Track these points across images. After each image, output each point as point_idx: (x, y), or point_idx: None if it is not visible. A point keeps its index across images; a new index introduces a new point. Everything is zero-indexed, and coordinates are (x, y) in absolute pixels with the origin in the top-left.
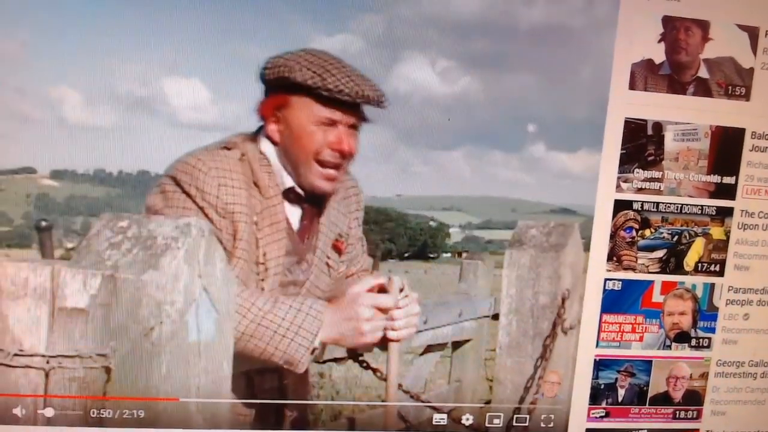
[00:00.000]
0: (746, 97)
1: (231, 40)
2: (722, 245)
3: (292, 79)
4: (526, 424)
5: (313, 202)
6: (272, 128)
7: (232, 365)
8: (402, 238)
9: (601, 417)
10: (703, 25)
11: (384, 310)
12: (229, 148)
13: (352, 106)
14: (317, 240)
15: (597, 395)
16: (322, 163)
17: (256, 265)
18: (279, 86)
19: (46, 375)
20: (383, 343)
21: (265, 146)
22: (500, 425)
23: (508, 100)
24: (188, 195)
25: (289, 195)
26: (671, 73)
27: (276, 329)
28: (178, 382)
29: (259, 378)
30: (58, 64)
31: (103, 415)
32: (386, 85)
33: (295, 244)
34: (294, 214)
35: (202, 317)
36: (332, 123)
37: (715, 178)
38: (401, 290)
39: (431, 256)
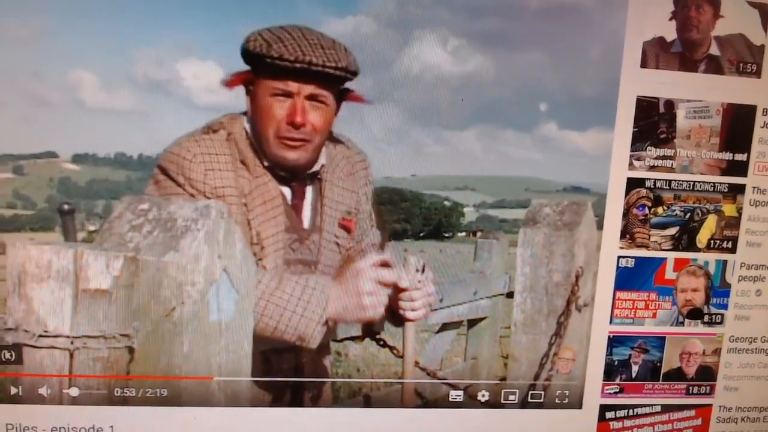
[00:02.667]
0: (757, 74)
1: (243, 22)
2: (734, 222)
3: (246, 50)
4: (541, 400)
5: (300, 179)
6: (247, 105)
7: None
8: (417, 218)
9: (615, 393)
10: (714, 3)
11: (386, 284)
12: (215, 130)
13: (306, 76)
14: (322, 221)
15: (611, 371)
16: (281, 137)
17: (251, 245)
18: (247, 61)
19: (71, 355)
20: (400, 323)
21: (247, 123)
22: (515, 401)
23: (520, 79)
24: (177, 183)
25: (273, 172)
26: (683, 51)
27: (285, 306)
28: (200, 361)
29: (277, 357)
30: (75, 47)
31: (127, 394)
32: (398, 66)
33: (293, 221)
34: (285, 191)
35: (223, 297)
36: (287, 94)
37: (727, 155)
38: (418, 270)
39: (446, 235)
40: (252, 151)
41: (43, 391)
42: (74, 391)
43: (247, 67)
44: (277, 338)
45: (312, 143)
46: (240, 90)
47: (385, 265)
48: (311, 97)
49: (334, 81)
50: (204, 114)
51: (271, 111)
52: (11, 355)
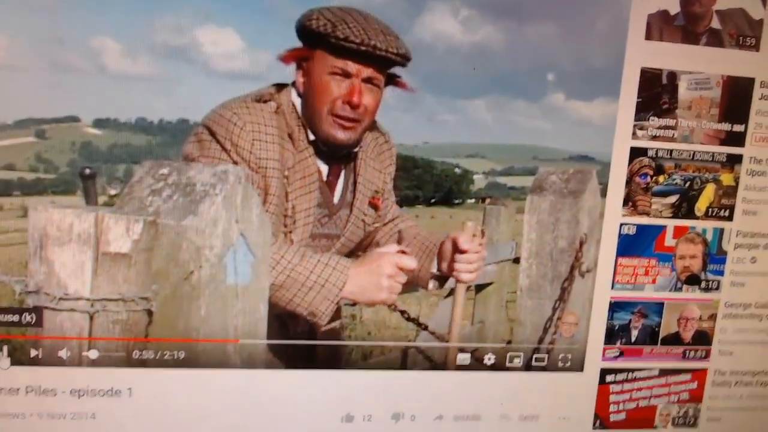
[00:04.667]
0: (756, 47)
1: None
2: (731, 191)
3: (308, 28)
4: (545, 363)
5: (338, 157)
6: (299, 80)
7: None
8: (428, 184)
9: (616, 356)
10: None
11: (406, 270)
12: (265, 101)
13: (367, 59)
14: (355, 198)
15: (612, 335)
16: (336, 115)
17: (284, 217)
18: (304, 38)
19: (91, 318)
20: (441, 286)
21: (295, 98)
22: (520, 365)
23: (529, 50)
24: (223, 148)
25: (316, 147)
26: (685, 24)
27: (304, 281)
28: (217, 324)
29: (293, 321)
30: (97, 14)
31: (145, 357)
32: (410, 35)
33: (326, 196)
34: (323, 168)
35: (240, 261)
36: (346, 74)
37: (726, 126)
38: (475, 236)
39: (456, 201)
40: (298, 125)
41: (62, 353)
42: (93, 354)
43: (300, 44)
44: (290, 310)
45: (362, 124)
46: (259, 57)
47: (404, 253)
48: (367, 80)
49: (389, 66)
50: (223, 81)
51: (328, 89)
52: (32, 318)
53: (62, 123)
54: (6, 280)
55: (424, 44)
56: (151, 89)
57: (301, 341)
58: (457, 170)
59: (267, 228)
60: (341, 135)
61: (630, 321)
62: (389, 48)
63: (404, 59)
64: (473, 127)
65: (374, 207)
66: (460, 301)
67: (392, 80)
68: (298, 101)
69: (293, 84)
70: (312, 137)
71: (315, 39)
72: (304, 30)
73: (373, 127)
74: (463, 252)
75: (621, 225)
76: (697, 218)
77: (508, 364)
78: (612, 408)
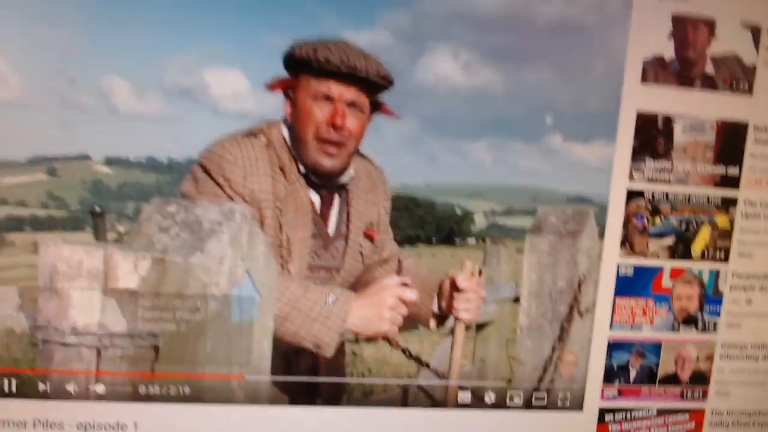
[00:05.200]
0: (749, 92)
1: (268, 33)
2: (727, 233)
3: (291, 56)
4: (544, 402)
5: (329, 188)
6: (287, 110)
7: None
8: (430, 224)
9: (614, 396)
10: (710, 24)
11: (407, 302)
12: (255, 135)
13: (349, 81)
14: (348, 230)
15: (610, 375)
16: (321, 139)
17: (280, 248)
18: (290, 68)
19: (98, 353)
20: (441, 323)
21: (284, 130)
22: (520, 403)
23: (528, 93)
24: (217, 183)
25: (308, 180)
26: (680, 69)
27: (308, 313)
28: (222, 360)
29: (296, 357)
30: (108, 55)
31: (151, 391)
32: (412, 78)
33: (320, 228)
34: (315, 200)
35: (245, 298)
36: (329, 98)
37: (721, 169)
38: (473, 274)
39: (457, 241)
40: (289, 157)
41: (70, 387)
42: (100, 388)
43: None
44: (296, 343)
45: (347, 148)
46: (265, 98)
47: (405, 285)
48: (351, 104)
49: (372, 90)
50: (230, 120)
51: (311, 113)
52: (41, 352)
53: (73, 161)
54: (16, 315)
55: (426, 87)
56: (160, 129)
57: (304, 378)
58: (458, 210)
59: (272, 265)
60: (327, 162)
61: (628, 361)
62: (370, 69)
63: (386, 81)
64: (474, 168)
65: (369, 238)
66: (460, 340)
67: (378, 107)
68: (287, 133)
69: (284, 119)
70: (302, 169)
71: (298, 66)
72: (288, 60)
73: (366, 161)
74: (461, 291)
75: (618, 266)
76: (693, 260)
77: (508, 403)
78: None
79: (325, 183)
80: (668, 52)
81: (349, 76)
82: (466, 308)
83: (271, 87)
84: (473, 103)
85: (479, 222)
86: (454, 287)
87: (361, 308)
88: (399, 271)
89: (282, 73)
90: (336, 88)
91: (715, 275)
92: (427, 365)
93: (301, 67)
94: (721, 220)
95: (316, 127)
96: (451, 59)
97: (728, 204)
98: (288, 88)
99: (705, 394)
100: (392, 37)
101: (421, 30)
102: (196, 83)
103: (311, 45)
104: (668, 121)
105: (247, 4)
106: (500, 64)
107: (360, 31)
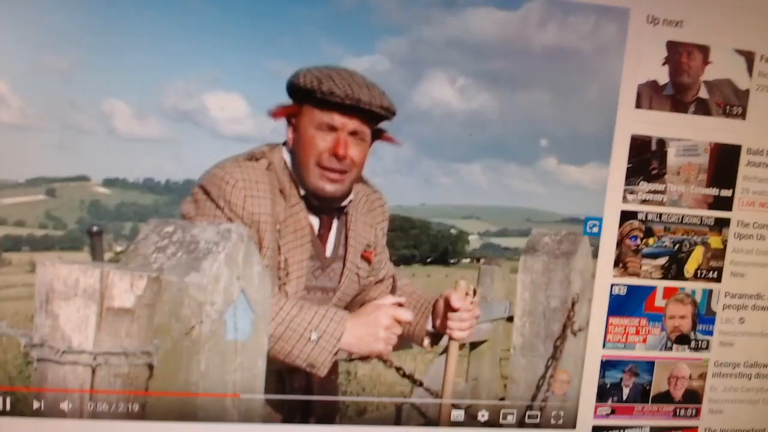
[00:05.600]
0: (742, 116)
1: (267, 58)
2: (720, 253)
3: (296, 85)
4: (537, 421)
5: (329, 211)
6: (289, 136)
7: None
8: (425, 244)
9: (607, 414)
10: (704, 50)
11: (402, 322)
12: (257, 159)
13: (352, 112)
14: (347, 252)
15: (603, 393)
16: (323, 167)
17: (278, 270)
18: (293, 95)
19: (93, 371)
20: (435, 343)
21: (286, 154)
22: (513, 422)
23: (523, 117)
24: (217, 205)
25: (308, 203)
26: (674, 94)
27: (302, 333)
28: (216, 379)
29: (290, 376)
30: (109, 79)
31: (145, 410)
32: (409, 102)
33: (318, 249)
34: (314, 222)
35: (240, 317)
36: (332, 128)
37: (714, 191)
38: (468, 294)
39: (452, 261)
40: (289, 181)
41: (64, 405)
42: (94, 406)
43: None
44: (289, 362)
45: (350, 176)
46: (264, 121)
47: (400, 305)
48: (353, 133)
49: (375, 120)
50: (229, 143)
51: (314, 142)
52: (35, 370)
53: (72, 182)
54: (12, 333)
55: (422, 111)
56: (159, 151)
57: (298, 396)
58: (452, 231)
59: (267, 285)
60: (329, 187)
61: (621, 379)
62: (373, 101)
63: (389, 112)
64: (469, 189)
65: (367, 260)
66: (453, 358)
67: (380, 135)
68: (288, 157)
69: (284, 143)
70: (303, 192)
71: (302, 95)
72: (292, 87)
73: (364, 184)
74: (455, 310)
75: (612, 285)
76: (687, 279)
77: (501, 421)
78: None
79: (325, 206)
80: (662, 77)
81: (352, 108)
82: (459, 327)
83: (275, 114)
84: (469, 126)
85: (474, 242)
86: (448, 307)
87: (356, 328)
88: (394, 291)
89: (284, 98)
90: (339, 119)
91: (708, 295)
92: (421, 384)
93: (305, 95)
94: (714, 241)
95: (319, 155)
96: (447, 84)
97: (721, 225)
98: (291, 115)
99: (698, 413)
100: (390, 62)
101: (418, 56)
102: (196, 107)
103: (316, 75)
104: (662, 143)
105: (248, 30)
106: (496, 88)
107: (359, 57)
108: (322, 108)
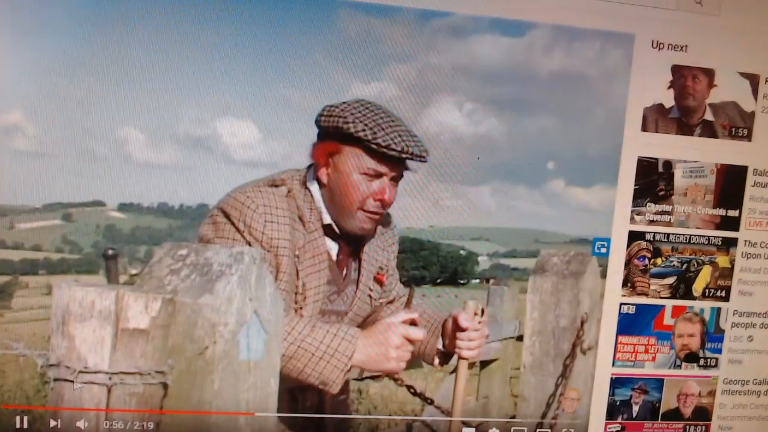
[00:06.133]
0: (748, 137)
1: (278, 85)
2: (727, 272)
3: (345, 130)
4: None
5: (348, 238)
6: (322, 171)
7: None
8: (435, 265)
9: (617, 431)
10: (709, 73)
11: (413, 341)
12: (277, 185)
13: (399, 161)
14: (360, 275)
15: (613, 411)
16: (365, 211)
17: (295, 294)
18: (333, 134)
19: (108, 390)
20: (445, 362)
21: (312, 185)
22: None
23: (530, 140)
24: (237, 229)
25: (328, 230)
26: (680, 116)
27: (314, 351)
28: (229, 398)
29: (302, 395)
30: (123, 107)
31: (160, 428)
32: (417, 126)
33: (335, 275)
34: (332, 248)
35: (253, 337)
36: (378, 175)
37: (721, 212)
38: (476, 314)
39: (461, 282)
40: (310, 208)
41: (80, 424)
42: (110, 425)
43: (332, 140)
44: (302, 381)
45: (384, 215)
46: (274, 146)
47: (413, 323)
48: (394, 178)
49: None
50: (241, 169)
51: (359, 187)
52: (52, 390)
53: (87, 207)
54: (29, 353)
55: (431, 134)
56: (173, 176)
57: (310, 414)
58: (462, 252)
59: (279, 306)
60: (369, 226)
61: (631, 397)
62: (423, 152)
63: (425, 159)
64: (478, 211)
65: (379, 282)
66: (463, 377)
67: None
68: (316, 188)
69: (309, 169)
70: (327, 221)
71: (346, 137)
72: (337, 130)
73: None
74: (464, 330)
75: (621, 305)
76: (695, 298)
77: None
78: None
79: (348, 237)
80: (668, 100)
81: (403, 159)
82: (468, 347)
83: (317, 157)
84: (477, 150)
85: (483, 263)
86: (457, 326)
87: (367, 347)
88: (409, 303)
89: (293, 123)
90: (386, 167)
91: (717, 313)
92: (432, 402)
93: (349, 138)
94: (722, 260)
95: (364, 200)
96: (455, 109)
97: (729, 244)
98: (332, 154)
99: (708, 430)
100: (398, 88)
101: (426, 82)
102: (209, 133)
103: (369, 125)
104: (668, 165)
105: (258, 57)
106: (503, 113)
107: (368, 84)
108: (373, 156)
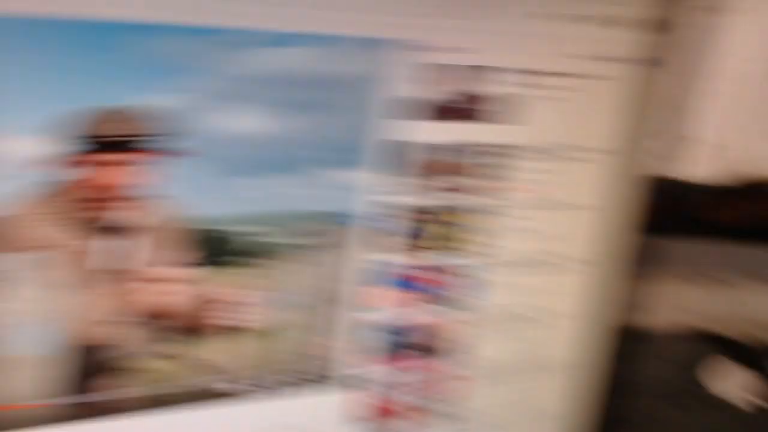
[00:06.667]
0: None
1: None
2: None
3: None
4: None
5: None
6: None
7: None
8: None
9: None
10: (458, 69)
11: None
12: None
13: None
14: None
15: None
16: None
17: None
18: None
19: None
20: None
21: None
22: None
23: (298, 136)
24: None
25: None
26: (436, 107)
27: None
28: None
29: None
30: None
31: None
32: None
33: None
34: None
35: None
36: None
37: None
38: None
39: (230, 263)
40: None
41: None
42: None
43: None
44: None
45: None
46: None
47: None
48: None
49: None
50: None
51: None
52: None
53: None
54: None
55: (214, 137)
56: None
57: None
58: (233, 236)
59: None
60: None
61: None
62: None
63: None
64: (248, 199)
65: None
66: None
67: None
68: None
69: None
70: None
71: None
72: None
73: None
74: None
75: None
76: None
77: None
78: None
79: None
80: (417, 92)
81: None
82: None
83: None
84: (252, 147)
85: (254, 245)
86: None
87: None
88: None
89: None
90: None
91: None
92: None
93: None
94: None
95: None
96: (238, 113)
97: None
98: None
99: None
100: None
101: (217, 90)
102: None
103: None
104: (416, 146)
105: (30, 78)
106: (278, 112)
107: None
108: None
